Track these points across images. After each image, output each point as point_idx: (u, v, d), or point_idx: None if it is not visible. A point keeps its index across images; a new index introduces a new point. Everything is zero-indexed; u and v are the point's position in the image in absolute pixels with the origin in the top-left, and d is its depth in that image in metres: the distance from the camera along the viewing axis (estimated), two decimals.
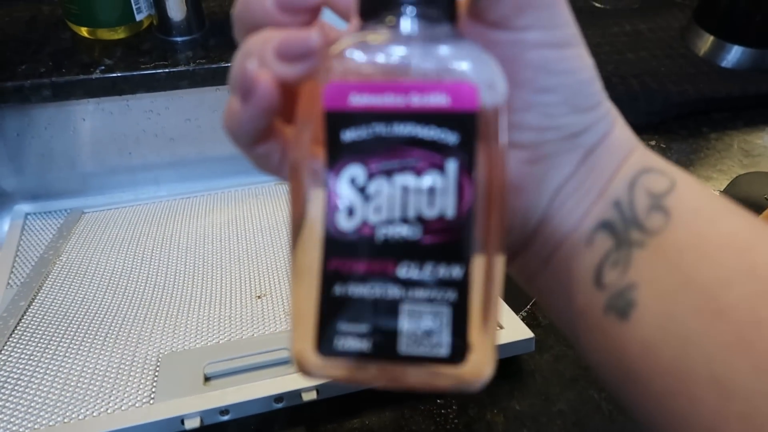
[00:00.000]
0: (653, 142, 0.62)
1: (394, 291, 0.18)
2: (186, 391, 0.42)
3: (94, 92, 0.60)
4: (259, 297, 0.52)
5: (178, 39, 0.64)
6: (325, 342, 0.18)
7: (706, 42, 0.70)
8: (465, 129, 0.17)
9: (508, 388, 0.44)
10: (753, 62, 0.68)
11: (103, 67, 0.60)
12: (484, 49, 0.19)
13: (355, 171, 0.18)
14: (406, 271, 0.18)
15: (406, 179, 0.18)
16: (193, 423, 0.39)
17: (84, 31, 0.63)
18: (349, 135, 0.18)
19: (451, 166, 0.18)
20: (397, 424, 0.42)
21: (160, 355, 0.45)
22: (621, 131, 0.22)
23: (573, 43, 0.20)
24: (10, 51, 0.61)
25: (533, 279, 0.24)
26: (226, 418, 0.41)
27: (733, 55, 0.69)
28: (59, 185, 0.67)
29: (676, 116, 0.65)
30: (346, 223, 0.18)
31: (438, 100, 0.17)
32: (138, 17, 0.63)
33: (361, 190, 0.18)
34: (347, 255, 0.18)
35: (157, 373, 0.43)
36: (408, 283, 0.18)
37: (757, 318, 0.17)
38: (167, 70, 0.61)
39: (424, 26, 0.18)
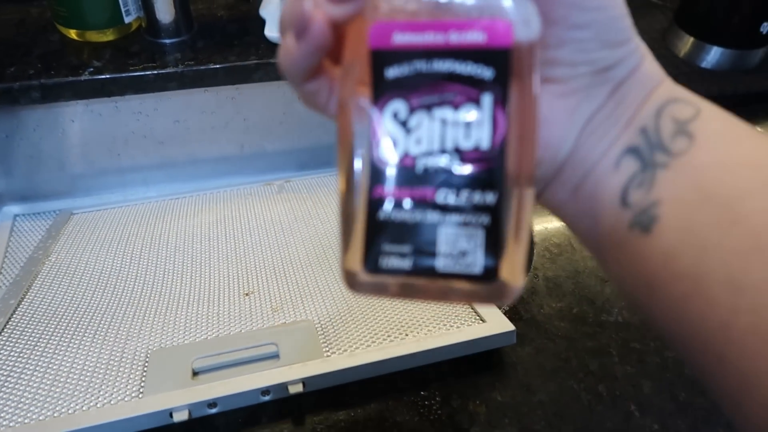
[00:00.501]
0: None
1: (432, 215, 0.19)
2: (174, 385, 0.42)
3: (82, 94, 0.61)
4: (246, 294, 0.52)
5: (167, 41, 0.65)
6: (370, 260, 0.20)
7: (686, 43, 0.72)
8: (500, 64, 0.19)
9: (490, 379, 0.45)
10: (732, 63, 0.70)
11: (91, 69, 0.60)
12: None
13: (398, 106, 0.19)
14: (443, 197, 0.19)
15: (445, 113, 0.19)
16: (182, 416, 0.40)
17: (73, 34, 0.63)
18: (392, 72, 0.19)
19: (487, 100, 0.19)
20: (382, 415, 0.43)
21: (149, 351, 0.46)
22: (650, 65, 0.23)
23: None
24: None
25: (562, 206, 0.25)
26: (214, 411, 0.41)
27: (713, 55, 0.70)
28: (48, 186, 0.67)
29: None
30: (389, 155, 0.20)
31: (475, 37, 0.19)
32: (127, 19, 0.64)
33: (403, 124, 0.20)
34: (390, 183, 0.20)
35: (146, 369, 0.44)
36: (445, 208, 0.19)
37: None
38: (156, 72, 0.61)
39: None
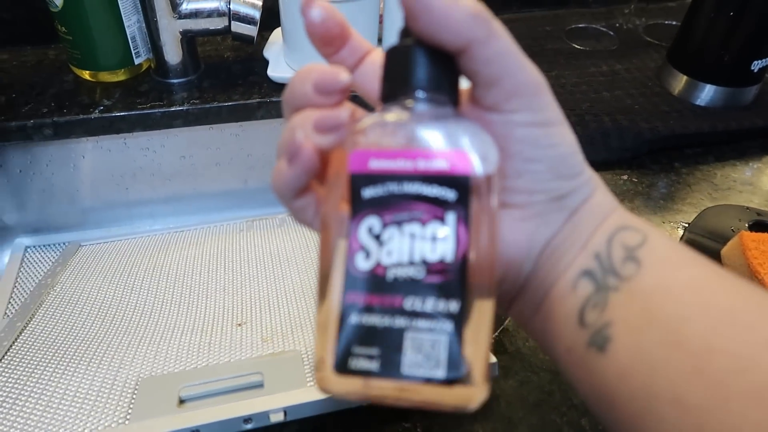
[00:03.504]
0: (626, 176, 0.65)
1: (400, 321, 0.21)
2: (160, 412, 0.43)
3: (93, 131, 0.64)
4: (239, 325, 0.54)
5: (174, 81, 0.68)
6: (340, 361, 0.21)
7: (680, 81, 0.73)
8: (461, 188, 0.21)
9: (472, 412, 0.45)
10: (725, 100, 0.71)
11: (102, 108, 0.63)
12: (480, 127, 0.23)
13: (372, 221, 0.22)
14: (411, 304, 0.21)
15: (413, 228, 0.21)
16: None
17: (86, 74, 0.67)
18: (368, 192, 0.22)
19: (450, 218, 0.21)
20: None
21: (139, 379, 0.47)
22: (602, 195, 0.26)
23: (555, 122, 0.24)
24: (15, 93, 0.65)
25: (528, 322, 0.27)
26: None
27: (706, 93, 0.71)
28: (59, 219, 0.70)
29: (648, 152, 0.67)
30: (363, 264, 0.22)
31: (440, 164, 0.21)
32: (137, 60, 0.67)
33: (377, 237, 0.22)
34: (362, 290, 0.21)
35: (134, 396, 0.45)
36: (412, 315, 0.21)
37: (708, 346, 0.20)
38: (163, 110, 0.64)
39: (432, 108, 0.23)
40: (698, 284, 0.22)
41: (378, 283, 0.21)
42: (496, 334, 0.51)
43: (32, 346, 0.51)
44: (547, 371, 0.49)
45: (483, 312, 0.21)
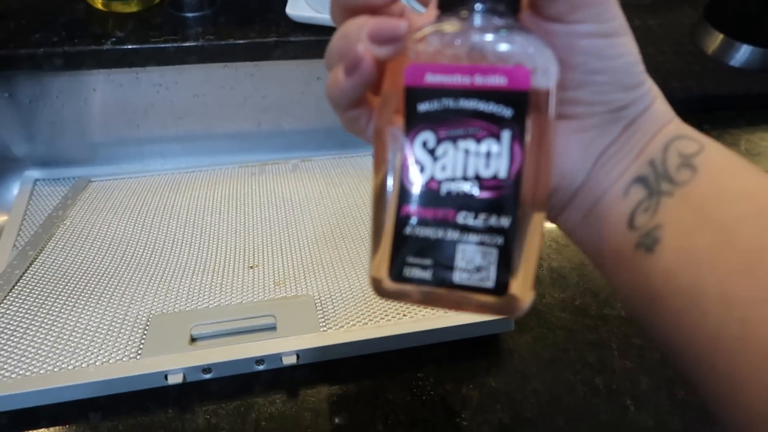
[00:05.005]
0: None
1: (452, 234, 0.22)
2: (172, 349, 0.43)
3: (104, 63, 0.62)
4: (251, 267, 0.53)
5: (189, 15, 0.66)
6: (395, 270, 0.22)
7: (715, 40, 0.70)
8: (518, 105, 0.21)
9: (485, 365, 0.45)
10: (761, 62, 0.68)
11: (114, 39, 0.61)
12: (541, 39, 0.22)
13: (427, 136, 0.22)
14: (463, 218, 0.22)
15: (468, 144, 0.22)
16: (176, 378, 0.41)
17: (98, 3, 0.64)
18: (423, 107, 0.22)
19: (506, 135, 0.21)
20: (374, 392, 0.43)
21: (151, 316, 0.47)
22: (660, 105, 0.25)
23: (620, 32, 0.23)
24: (25, 19, 0.62)
25: (575, 228, 0.27)
26: (208, 376, 0.42)
27: (742, 54, 0.68)
28: (69, 153, 0.69)
29: (678, 113, 0.65)
30: (417, 178, 0.22)
31: (497, 80, 0.21)
32: None
33: (431, 152, 0.22)
34: (417, 203, 0.22)
35: (146, 332, 0.45)
36: (464, 229, 0.22)
37: (761, 246, 0.21)
38: (176, 45, 0.62)
39: (491, 19, 0.22)
40: (754, 191, 0.23)
41: (432, 196, 0.22)
42: None
43: (43, 278, 0.51)
44: (563, 329, 0.48)
45: (534, 226, 0.22)
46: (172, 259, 0.54)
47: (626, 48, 0.23)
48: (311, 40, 0.65)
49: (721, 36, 0.69)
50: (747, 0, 0.66)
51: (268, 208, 0.62)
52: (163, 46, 0.62)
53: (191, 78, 0.67)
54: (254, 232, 0.58)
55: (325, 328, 0.46)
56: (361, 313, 0.47)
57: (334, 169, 0.70)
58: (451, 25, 0.22)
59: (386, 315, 0.47)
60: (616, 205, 0.25)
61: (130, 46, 0.61)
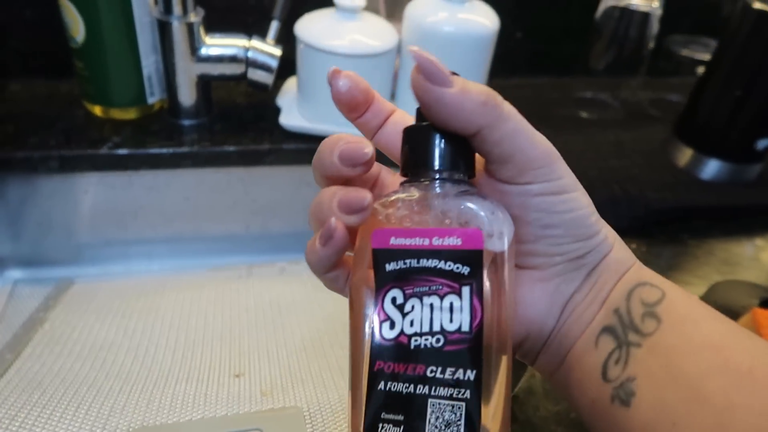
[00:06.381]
0: (634, 246, 0.64)
1: (423, 388, 0.22)
2: None
3: (99, 167, 0.63)
4: (237, 376, 0.51)
5: (186, 122, 0.68)
6: (369, 425, 0.23)
7: (685, 154, 0.74)
8: (474, 263, 0.23)
9: None
10: (730, 176, 0.72)
11: (110, 144, 0.63)
12: (495, 201, 0.24)
13: (396, 293, 0.24)
14: (432, 372, 0.22)
15: (433, 300, 0.23)
16: None
17: (97, 110, 0.66)
18: (390, 266, 0.24)
19: (465, 291, 0.23)
20: None
21: (130, 429, 0.44)
22: (619, 251, 0.27)
23: (569, 189, 0.25)
24: (24, 124, 0.64)
25: (553, 374, 0.28)
26: None
27: (711, 168, 0.72)
28: (53, 254, 0.68)
29: (656, 222, 0.67)
30: (388, 333, 0.23)
31: (453, 241, 0.23)
32: (150, 100, 0.67)
33: (400, 308, 0.23)
34: (388, 358, 0.23)
35: None
36: (434, 382, 0.22)
37: (730, 404, 0.21)
38: (172, 150, 0.64)
39: (448, 186, 0.24)
40: (718, 342, 0.23)
41: (402, 351, 0.23)
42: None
43: (17, 387, 0.48)
44: None
45: (503, 368, 0.23)
46: (155, 367, 0.53)
47: (576, 203, 0.25)
48: (302, 148, 0.67)
49: (690, 151, 0.74)
50: (713, 117, 0.71)
51: (254, 311, 0.62)
52: (158, 151, 0.64)
53: (183, 181, 0.69)
54: (240, 337, 0.57)
55: None
56: None
57: None
58: (414, 192, 0.24)
59: None
60: (588, 355, 0.26)
61: (126, 151, 0.63)
